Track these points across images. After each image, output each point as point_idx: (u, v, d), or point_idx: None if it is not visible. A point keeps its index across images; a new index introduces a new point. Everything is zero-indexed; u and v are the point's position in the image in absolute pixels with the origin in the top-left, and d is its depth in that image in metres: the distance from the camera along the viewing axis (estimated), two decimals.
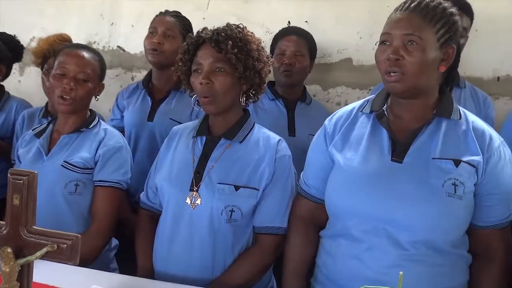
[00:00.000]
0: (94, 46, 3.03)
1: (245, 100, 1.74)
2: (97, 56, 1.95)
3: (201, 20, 2.76)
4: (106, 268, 1.87)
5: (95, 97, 1.96)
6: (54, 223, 1.69)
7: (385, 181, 1.40)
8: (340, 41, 2.58)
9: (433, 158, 1.40)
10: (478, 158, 1.40)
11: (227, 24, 1.69)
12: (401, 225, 1.37)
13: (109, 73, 2.94)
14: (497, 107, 2.30)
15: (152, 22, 2.41)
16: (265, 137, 1.72)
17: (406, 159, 1.41)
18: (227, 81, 1.62)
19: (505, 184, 1.43)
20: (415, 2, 1.39)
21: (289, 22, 2.65)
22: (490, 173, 1.41)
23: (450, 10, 1.40)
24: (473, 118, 1.48)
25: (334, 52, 2.60)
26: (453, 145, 1.42)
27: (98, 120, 1.96)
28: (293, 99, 2.40)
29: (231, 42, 1.60)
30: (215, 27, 1.67)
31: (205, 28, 1.68)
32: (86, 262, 1.69)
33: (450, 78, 1.47)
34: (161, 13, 2.43)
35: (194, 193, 1.63)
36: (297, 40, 2.35)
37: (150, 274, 1.68)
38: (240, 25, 1.70)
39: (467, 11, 2.15)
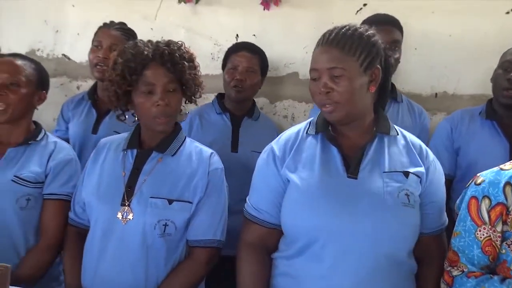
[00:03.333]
0: (38, 53, 2.96)
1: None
2: (33, 64, 1.91)
3: (149, 31, 2.75)
4: (56, 280, 1.86)
5: (35, 106, 1.92)
6: (2, 238, 1.70)
7: (344, 197, 1.44)
8: (287, 55, 2.63)
9: (384, 172, 1.47)
10: (421, 169, 1.51)
11: (169, 41, 1.67)
12: (365, 238, 1.41)
13: (53, 81, 2.87)
14: (434, 122, 2.41)
15: (96, 35, 2.38)
16: (197, 150, 1.73)
17: (361, 175, 1.47)
18: (180, 99, 1.65)
19: (440, 192, 1.56)
20: (333, 35, 1.45)
21: (237, 35, 2.68)
22: (430, 183, 1.52)
23: (367, 34, 1.46)
24: (407, 134, 1.59)
25: (281, 65, 2.65)
26: (398, 158, 1.51)
27: (45, 133, 1.92)
28: (240, 114, 2.41)
29: (181, 63, 1.62)
30: (159, 45, 1.64)
31: (147, 45, 1.65)
32: (35, 278, 1.68)
33: (382, 95, 1.54)
34: (105, 24, 2.40)
35: (126, 208, 1.61)
36: (250, 56, 2.37)
37: None
38: (180, 42, 1.69)
39: (397, 26, 2.25)
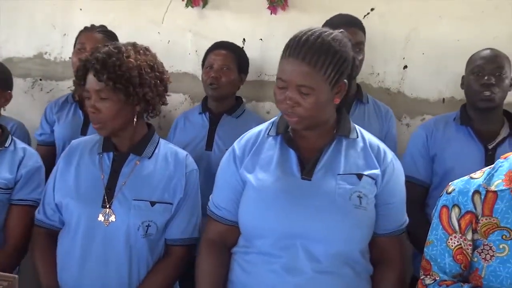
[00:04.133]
0: (46, 56, 2.97)
1: (148, 115, 1.79)
2: None
3: (156, 35, 2.77)
4: None
5: (1, 107, 1.96)
6: None
7: (297, 198, 1.48)
8: None
9: (338, 174, 1.49)
10: (376, 171, 1.53)
11: (108, 48, 1.67)
12: (316, 239, 1.45)
13: (61, 85, 2.91)
14: None
15: (79, 38, 2.42)
16: (172, 152, 1.78)
17: (315, 176, 1.50)
18: (113, 107, 1.65)
19: (398, 194, 1.58)
20: (304, 47, 1.41)
21: (244, 39, 2.68)
22: (386, 184, 1.54)
23: (339, 48, 1.43)
24: (368, 136, 1.62)
25: None
26: (354, 161, 1.53)
27: (12, 138, 1.95)
28: (220, 112, 2.42)
29: (108, 73, 1.61)
30: (97, 52, 1.66)
31: (96, 49, 1.68)
32: None
33: (345, 97, 1.54)
34: (87, 28, 2.44)
35: (107, 210, 1.65)
36: (224, 54, 2.39)
37: None
38: (123, 48, 1.67)
39: (360, 27, 2.25)
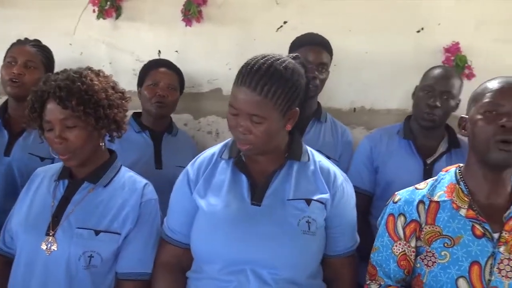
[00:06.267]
0: None
1: (116, 136, 1.71)
2: None
3: (68, 46, 2.69)
4: None
5: None
6: None
7: (246, 224, 1.48)
8: (210, 72, 2.63)
9: (288, 200, 1.50)
10: (326, 196, 1.53)
11: (68, 74, 1.59)
12: (264, 264, 1.45)
13: None
14: (354, 136, 2.47)
15: (9, 51, 2.28)
16: (131, 180, 1.69)
17: (265, 202, 1.51)
18: (82, 135, 1.57)
19: (348, 216, 1.60)
20: (256, 78, 1.40)
21: (159, 51, 2.66)
22: (336, 207, 1.55)
23: (289, 76, 1.43)
24: (319, 158, 1.62)
25: (205, 82, 2.65)
26: (304, 185, 1.54)
27: None
28: (160, 130, 2.38)
29: (76, 98, 1.53)
30: (57, 80, 1.57)
31: (48, 78, 1.59)
32: None
33: (299, 120, 1.56)
34: (19, 41, 2.31)
35: (50, 238, 1.55)
36: (171, 74, 2.37)
37: None
38: (84, 72, 1.61)
39: (327, 48, 2.29)
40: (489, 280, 1.35)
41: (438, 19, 2.49)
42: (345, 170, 2.27)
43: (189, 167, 1.63)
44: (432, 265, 1.41)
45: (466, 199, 1.43)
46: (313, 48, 2.21)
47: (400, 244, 1.47)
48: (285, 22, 2.57)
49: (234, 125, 1.46)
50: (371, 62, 2.50)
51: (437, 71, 2.19)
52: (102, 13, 2.58)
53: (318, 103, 2.40)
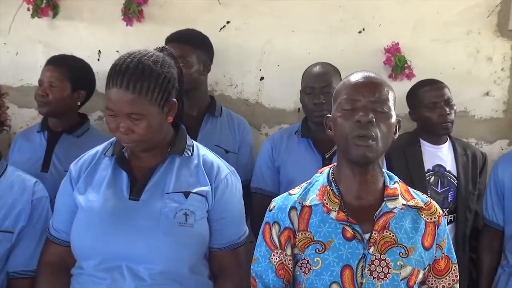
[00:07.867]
0: None
1: None
2: None
3: (2, 46, 2.58)
4: None
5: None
6: None
7: (123, 219, 1.48)
8: None
9: (166, 193, 1.51)
10: (206, 188, 1.54)
11: None
12: (140, 259, 1.45)
13: None
14: None
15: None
16: (20, 179, 1.68)
17: (143, 197, 1.51)
18: None
19: (233, 209, 1.61)
20: (125, 77, 1.41)
21: (99, 51, 2.59)
22: (219, 200, 1.56)
23: (160, 69, 1.45)
24: (204, 152, 1.63)
25: None
26: (185, 179, 1.54)
27: None
28: (59, 131, 2.29)
29: None
30: None
31: None
32: None
33: (179, 111, 1.59)
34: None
35: None
36: (52, 70, 2.25)
37: None
38: None
39: (185, 41, 2.24)
40: (361, 283, 1.33)
41: (379, 20, 2.53)
42: (248, 161, 2.34)
43: (72, 166, 1.63)
44: (308, 272, 1.38)
45: (336, 200, 1.39)
46: (175, 44, 2.16)
47: (277, 253, 1.42)
48: (228, 22, 2.56)
49: (115, 127, 1.45)
50: (313, 62, 2.50)
51: (312, 70, 2.24)
52: (37, 12, 2.49)
53: (212, 97, 2.40)
